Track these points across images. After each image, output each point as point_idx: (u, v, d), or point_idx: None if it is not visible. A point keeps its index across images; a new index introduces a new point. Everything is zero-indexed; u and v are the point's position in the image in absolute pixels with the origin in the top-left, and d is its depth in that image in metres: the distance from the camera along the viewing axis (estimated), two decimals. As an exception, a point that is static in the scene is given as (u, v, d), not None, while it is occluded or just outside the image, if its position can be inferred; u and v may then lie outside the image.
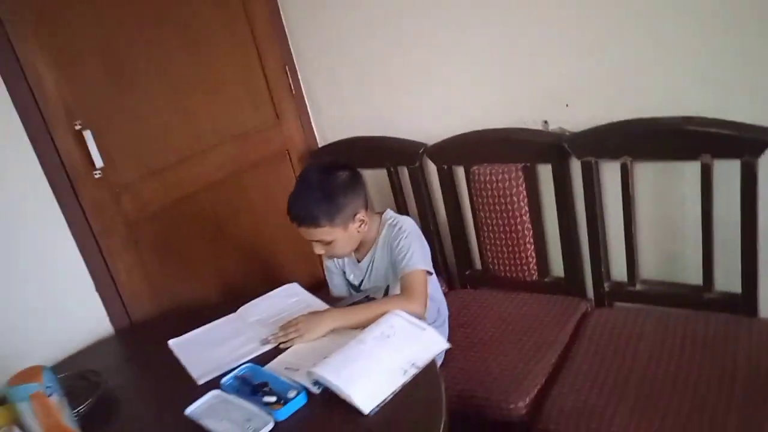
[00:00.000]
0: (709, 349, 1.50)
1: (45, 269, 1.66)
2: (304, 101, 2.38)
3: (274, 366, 1.38)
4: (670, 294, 1.76)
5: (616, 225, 1.77)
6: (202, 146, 2.04)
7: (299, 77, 2.34)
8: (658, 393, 1.41)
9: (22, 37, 1.57)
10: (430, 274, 1.63)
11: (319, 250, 1.64)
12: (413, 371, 1.25)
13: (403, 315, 1.41)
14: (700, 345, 1.53)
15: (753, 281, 1.59)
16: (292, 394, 1.25)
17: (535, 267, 1.95)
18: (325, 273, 1.86)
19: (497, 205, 1.91)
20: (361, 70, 2.19)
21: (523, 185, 1.87)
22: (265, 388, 1.29)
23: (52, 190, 1.66)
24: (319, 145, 2.40)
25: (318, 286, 1.86)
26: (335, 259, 1.80)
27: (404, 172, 2.15)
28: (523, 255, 1.94)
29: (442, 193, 2.09)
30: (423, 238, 1.68)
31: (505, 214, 1.91)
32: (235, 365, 1.40)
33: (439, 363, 1.41)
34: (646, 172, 1.71)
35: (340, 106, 2.31)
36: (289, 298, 1.69)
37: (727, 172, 1.56)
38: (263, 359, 1.42)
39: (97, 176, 1.74)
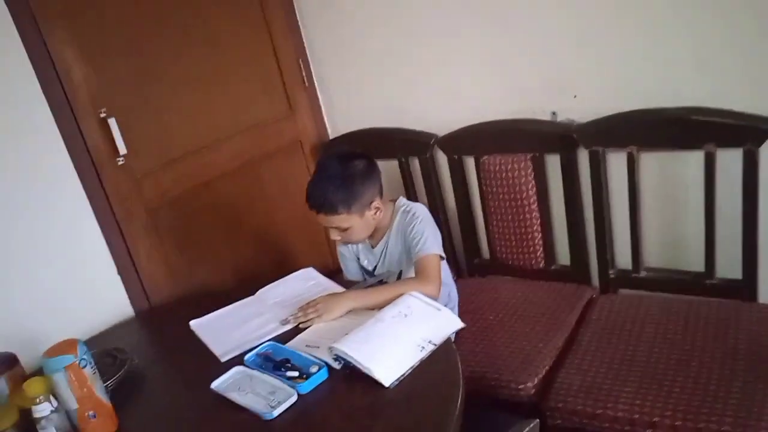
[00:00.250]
0: (711, 331, 1.56)
1: (70, 251, 1.71)
2: (317, 93, 2.43)
3: (294, 344, 1.44)
4: (673, 281, 1.82)
5: (622, 213, 1.83)
6: (219, 136, 2.09)
7: (312, 70, 2.40)
8: (662, 372, 1.47)
9: (51, 29, 1.63)
10: (443, 258, 1.68)
11: (335, 236, 1.70)
12: (430, 347, 1.31)
13: (419, 296, 1.47)
14: (702, 328, 1.59)
15: (753, 268, 1.65)
16: (313, 369, 1.31)
17: (542, 255, 2.01)
18: (339, 258, 1.92)
19: (506, 194, 1.97)
20: (372, 62, 2.24)
21: (532, 174, 1.92)
22: (288, 364, 1.35)
23: (78, 176, 1.71)
24: (331, 137, 2.46)
25: (329, 275, 1.91)
26: (350, 245, 1.86)
27: (415, 163, 2.20)
28: (530, 243, 2.00)
29: (452, 183, 2.15)
30: (435, 224, 1.74)
31: (513, 203, 1.97)
32: (257, 344, 1.46)
33: (451, 343, 1.47)
34: (651, 162, 1.77)
35: (351, 98, 2.37)
36: (306, 282, 1.75)
37: (730, 161, 1.62)
38: (284, 338, 1.47)
39: (120, 163, 1.79)
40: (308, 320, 1.50)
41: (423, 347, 1.31)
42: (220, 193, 2.10)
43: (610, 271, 1.89)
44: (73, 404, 1.23)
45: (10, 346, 1.45)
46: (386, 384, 1.22)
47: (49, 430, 1.18)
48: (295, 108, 2.35)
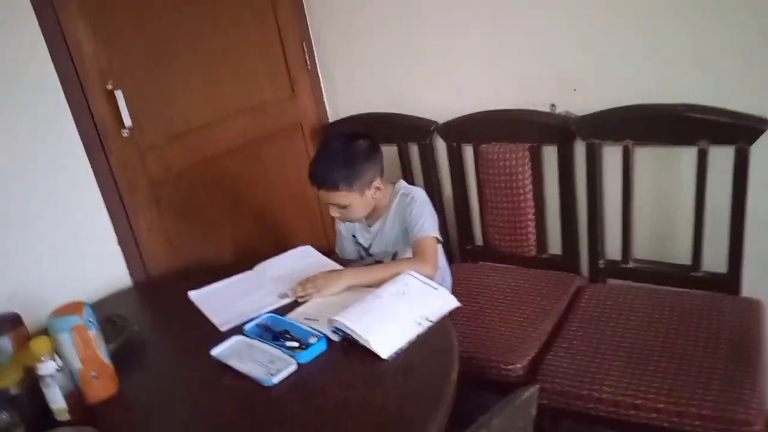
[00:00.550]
0: (695, 320, 1.62)
1: (72, 219, 1.73)
2: (319, 77, 2.46)
3: (294, 316, 1.47)
4: (660, 272, 1.87)
5: (614, 205, 1.88)
6: (222, 114, 2.12)
7: (315, 54, 2.42)
8: (647, 357, 1.52)
9: (64, 4, 1.65)
10: (440, 242, 1.73)
11: (334, 213, 1.74)
12: (427, 324, 1.35)
13: (416, 275, 1.51)
14: (686, 317, 1.64)
15: (738, 262, 1.71)
16: (312, 340, 1.34)
17: (535, 243, 2.05)
18: (337, 237, 1.95)
19: (502, 182, 2.01)
20: (375, 48, 2.27)
21: (529, 164, 1.97)
22: (287, 335, 1.39)
23: (84, 146, 1.73)
24: (331, 120, 2.49)
25: (324, 254, 1.95)
26: (347, 223, 1.90)
27: (414, 149, 2.24)
28: (523, 231, 2.04)
29: (450, 170, 2.19)
30: (433, 207, 1.78)
31: (509, 192, 2.01)
32: (256, 315, 1.50)
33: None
34: (645, 156, 1.82)
35: (353, 83, 2.40)
36: (305, 259, 1.78)
37: (721, 159, 1.67)
38: (283, 311, 1.51)
39: (125, 135, 1.81)
40: (307, 295, 1.54)
41: (420, 323, 1.35)
42: (221, 170, 2.13)
43: (600, 261, 1.94)
44: (77, 364, 1.26)
45: (14, 307, 1.47)
46: (384, 356, 1.26)
47: (52, 388, 1.22)
48: (297, 90, 2.38)
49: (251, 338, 1.41)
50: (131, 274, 1.88)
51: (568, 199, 1.96)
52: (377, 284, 1.51)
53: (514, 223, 2.04)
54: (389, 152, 2.25)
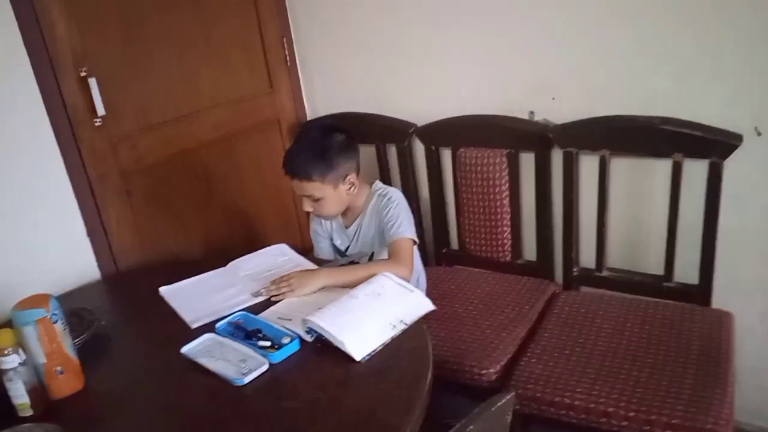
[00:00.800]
0: (666, 330, 1.64)
1: (40, 209, 1.68)
2: (298, 73, 2.43)
3: (267, 315, 1.45)
4: (633, 282, 1.89)
5: (589, 214, 1.89)
6: (199, 107, 2.08)
7: (295, 50, 2.40)
8: (619, 366, 1.53)
9: (38, -19, 1.60)
10: (416, 243, 1.72)
11: (308, 207, 1.72)
12: (402, 327, 1.34)
13: (392, 277, 1.50)
14: (658, 326, 1.66)
15: (709, 274, 1.73)
16: (285, 340, 1.32)
17: (510, 249, 2.06)
18: (312, 236, 1.93)
19: (479, 187, 2.02)
20: (356, 47, 2.25)
21: (506, 170, 1.97)
22: (259, 334, 1.37)
23: (54, 133, 1.68)
24: (309, 118, 2.46)
25: (300, 254, 1.93)
26: (323, 222, 1.88)
27: (392, 150, 2.23)
28: (499, 237, 2.05)
29: (428, 172, 2.18)
30: (409, 209, 1.78)
31: (485, 197, 2.02)
32: (228, 313, 1.47)
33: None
34: (621, 166, 1.84)
35: (332, 81, 2.38)
36: (279, 257, 1.76)
37: (695, 172, 1.70)
38: (256, 309, 1.48)
39: (97, 124, 1.76)
40: (280, 294, 1.52)
41: (395, 326, 1.34)
42: (195, 164, 2.09)
43: (574, 269, 1.96)
44: (41, 358, 1.22)
45: (-25, 299, 1.42)
46: (357, 358, 1.25)
47: (15, 383, 1.17)
48: (276, 86, 2.35)
49: (223, 336, 1.38)
50: (100, 266, 1.84)
51: (544, 206, 1.96)
52: (352, 285, 1.49)
53: (490, 228, 2.05)
54: (367, 153, 2.24)
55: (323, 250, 1.91)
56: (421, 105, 2.15)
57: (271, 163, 2.31)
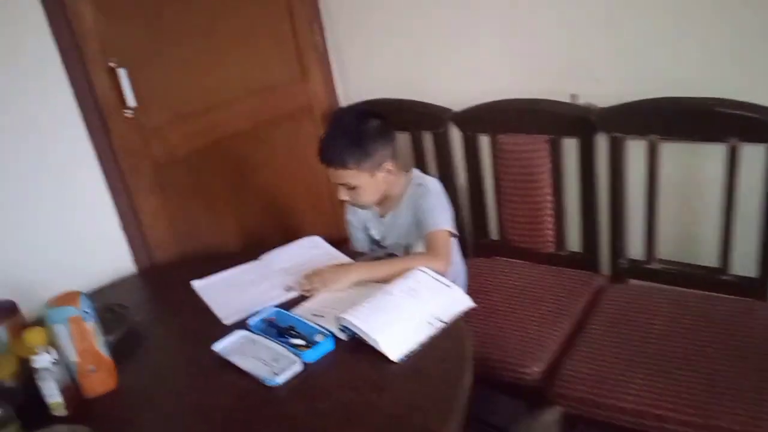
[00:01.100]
0: (722, 328, 1.54)
1: (75, 203, 1.67)
2: (330, 59, 2.37)
3: (300, 312, 1.41)
4: (685, 274, 1.78)
5: (638, 203, 1.79)
6: (230, 96, 2.04)
7: (326, 35, 2.34)
8: (672, 364, 1.44)
9: (64, -27, 1.57)
10: (454, 235, 1.65)
11: (343, 195, 1.67)
12: (439, 324, 1.28)
13: (428, 272, 1.44)
14: (714, 323, 1.56)
15: (769, 266, 1.63)
16: (319, 337, 1.28)
17: (553, 239, 1.97)
18: (347, 227, 1.89)
19: (520, 175, 1.93)
20: (389, 31, 2.18)
21: (548, 157, 1.88)
22: (292, 331, 1.33)
23: (86, 126, 1.66)
24: (342, 105, 2.41)
25: (333, 244, 1.88)
26: (358, 213, 1.83)
27: (428, 137, 2.16)
28: (541, 227, 1.96)
29: (465, 160, 2.10)
30: (447, 200, 1.71)
31: (526, 185, 1.93)
32: (261, 309, 1.43)
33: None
34: (671, 152, 1.72)
35: (365, 66, 2.32)
36: (312, 250, 1.72)
37: (752, 157, 1.58)
38: (288, 305, 1.45)
39: (128, 115, 1.74)
40: (313, 289, 1.48)
41: (431, 324, 1.28)
42: (228, 154, 2.06)
43: (622, 261, 1.86)
44: (73, 357, 1.21)
45: (10, 294, 1.41)
46: (393, 358, 1.20)
47: (48, 382, 1.16)
48: (307, 73, 2.30)
49: (255, 333, 1.35)
50: (135, 260, 1.83)
51: (589, 194, 1.87)
52: (386, 280, 1.44)
53: (532, 218, 1.96)
54: (402, 140, 2.17)
55: (359, 241, 1.86)
56: (457, 89, 2.06)
57: (305, 152, 2.26)
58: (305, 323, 1.34)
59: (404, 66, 2.20)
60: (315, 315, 1.38)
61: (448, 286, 1.41)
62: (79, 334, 1.19)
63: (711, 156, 1.68)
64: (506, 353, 1.60)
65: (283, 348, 1.27)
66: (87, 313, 1.21)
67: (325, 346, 1.26)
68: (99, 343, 1.23)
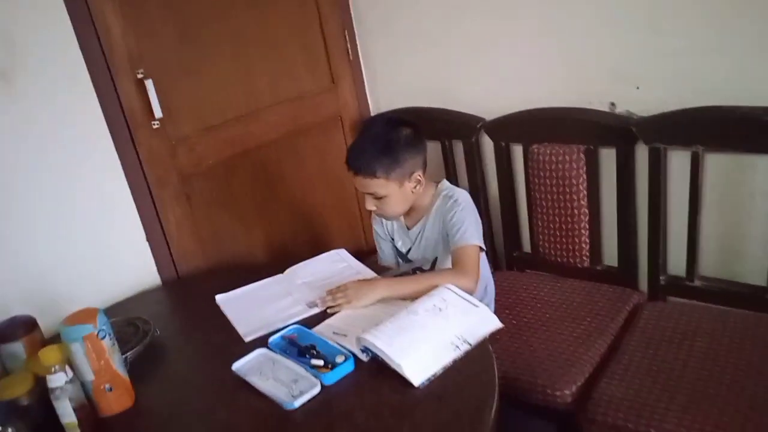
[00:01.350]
0: (769, 350, 1.44)
1: (100, 214, 1.67)
2: (361, 67, 2.34)
3: (321, 329, 1.37)
4: (729, 292, 1.69)
5: (679, 217, 1.70)
6: (258, 105, 2.02)
7: (357, 43, 2.30)
8: (714, 393, 1.35)
9: (92, -15, 1.57)
10: (483, 250, 1.59)
11: (370, 205, 1.63)
12: (465, 347, 1.22)
13: (455, 290, 1.38)
14: (759, 346, 1.47)
15: (821, 286, 1.52)
16: (339, 359, 1.24)
17: (588, 253, 1.89)
18: (375, 238, 1.84)
19: (554, 186, 1.86)
20: (420, 39, 2.14)
21: (584, 168, 1.81)
22: (313, 351, 1.28)
23: (112, 136, 1.66)
24: (372, 114, 2.37)
25: (361, 256, 1.84)
26: (384, 224, 1.78)
27: (459, 147, 2.10)
28: (576, 240, 1.89)
29: (497, 170, 2.04)
30: (477, 213, 1.65)
31: (561, 197, 1.86)
32: (282, 326, 1.40)
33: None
34: (716, 164, 1.64)
35: (396, 75, 2.27)
36: (337, 264, 1.68)
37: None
38: (310, 322, 1.41)
39: (155, 126, 1.73)
40: (336, 305, 1.44)
41: (457, 346, 1.22)
42: (255, 165, 2.04)
43: (661, 277, 1.77)
44: (89, 375, 1.19)
45: (33, 307, 1.40)
46: (416, 383, 1.14)
47: (62, 401, 1.14)
48: (338, 81, 2.26)
49: (275, 352, 1.31)
50: (160, 271, 1.82)
51: (627, 207, 1.79)
52: (412, 297, 1.39)
53: (566, 231, 1.89)
54: (432, 150, 2.10)
55: (386, 254, 1.82)
56: (489, 98, 2.01)
57: (333, 162, 2.24)
58: (327, 342, 1.30)
59: (435, 74, 2.15)
60: (336, 333, 1.34)
61: (475, 305, 1.35)
62: (95, 352, 1.17)
63: (759, 168, 1.59)
64: (536, 374, 1.53)
65: (303, 369, 1.23)
66: (104, 330, 1.19)
67: (346, 368, 1.21)
68: (116, 361, 1.21)
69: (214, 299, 1.59)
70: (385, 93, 2.32)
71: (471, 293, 1.40)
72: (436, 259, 1.71)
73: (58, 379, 1.13)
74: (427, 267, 1.71)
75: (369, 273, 1.59)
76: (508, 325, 1.72)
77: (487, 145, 2.05)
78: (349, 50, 2.27)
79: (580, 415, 1.41)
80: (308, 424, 1.12)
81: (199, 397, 1.28)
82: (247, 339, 1.39)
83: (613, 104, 1.78)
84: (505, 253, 2.13)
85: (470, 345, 1.23)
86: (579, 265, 1.92)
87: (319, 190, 2.24)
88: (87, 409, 1.18)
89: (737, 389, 1.35)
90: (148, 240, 1.77)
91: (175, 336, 1.54)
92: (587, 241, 1.88)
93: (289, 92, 2.11)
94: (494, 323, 1.31)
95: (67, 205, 1.61)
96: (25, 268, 1.53)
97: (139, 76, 1.68)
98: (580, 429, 1.40)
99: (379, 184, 1.57)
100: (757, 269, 1.62)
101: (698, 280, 1.73)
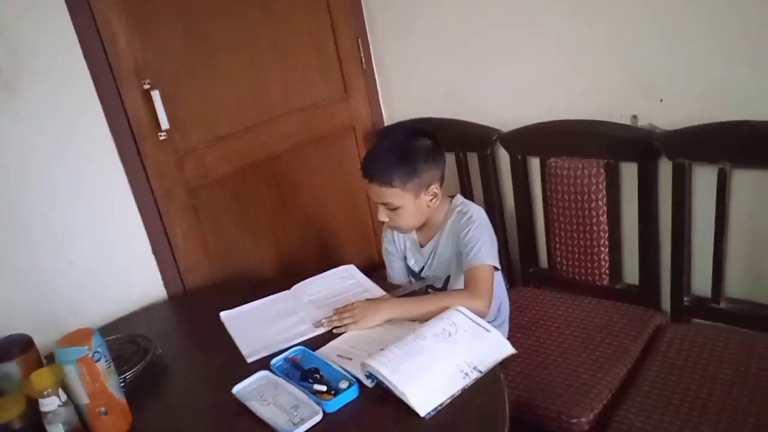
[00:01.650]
0: (802, 382, 1.36)
1: (105, 227, 1.64)
2: (374, 77, 2.29)
3: (326, 351, 1.32)
4: (756, 315, 1.60)
5: (704, 235, 1.63)
6: (269, 116, 1.98)
7: (371, 52, 2.26)
8: (742, 420, 1.28)
9: (98, -7, 1.54)
10: (497, 269, 1.53)
11: (383, 216, 1.57)
12: (475, 375, 1.16)
13: (466, 312, 1.32)
14: (791, 376, 1.39)
15: None
16: (343, 385, 1.18)
17: (608, 271, 1.82)
18: (384, 256, 1.78)
19: (573, 201, 1.79)
20: (435, 48, 2.08)
21: (604, 183, 1.74)
22: (316, 375, 1.23)
23: (117, 148, 1.63)
24: (386, 124, 2.32)
25: (373, 270, 1.79)
26: (397, 243, 1.72)
27: (474, 159, 2.04)
28: (595, 257, 1.81)
29: (513, 184, 1.98)
30: (492, 230, 1.58)
31: (580, 212, 1.79)
32: (286, 346, 1.35)
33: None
34: (744, 180, 1.56)
35: (410, 85, 2.22)
36: (345, 280, 1.63)
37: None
38: (315, 343, 1.36)
39: (162, 138, 1.70)
40: (343, 326, 1.38)
41: (467, 374, 1.16)
42: (265, 176, 2.00)
43: (685, 298, 1.69)
44: (83, 399, 1.14)
45: (35, 322, 1.38)
46: (422, 413, 1.08)
47: (55, 426, 1.10)
48: (351, 91, 2.22)
49: (277, 375, 1.26)
50: (166, 285, 1.78)
51: (649, 224, 1.71)
52: (421, 318, 1.33)
53: (585, 248, 1.82)
54: (446, 162, 2.06)
55: (396, 272, 1.75)
56: (505, 109, 1.95)
57: (346, 173, 2.20)
58: (330, 366, 1.25)
59: (450, 83, 2.10)
60: (341, 356, 1.28)
61: (487, 330, 1.28)
62: (89, 375, 1.13)
63: (790, 185, 1.51)
64: (551, 399, 1.46)
65: (305, 394, 1.18)
66: (99, 352, 1.14)
67: (349, 395, 1.16)
68: (111, 384, 1.17)
69: (219, 315, 1.55)
70: (399, 103, 2.27)
71: (483, 316, 1.34)
72: (449, 277, 1.65)
73: (50, 403, 1.09)
74: (439, 285, 1.66)
75: (378, 291, 1.54)
76: (522, 346, 1.67)
77: (503, 157, 1.99)
78: (363, 59, 2.23)
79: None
80: (307, 453, 1.07)
81: (196, 421, 1.23)
82: (250, 360, 1.35)
83: (635, 117, 1.71)
84: (520, 269, 2.06)
85: (480, 372, 1.17)
86: (598, 283, 1.84)
87: (331, 202, 2.19)
88: (80, 434, 1.14)
89: (764, 417, 1.28)
90: (154, 253, 1.74)
91: (176, 354, 1.49)
92: (607, 258, 1.81)
93: (300, 102, 2.07)
94: (507, 349, 1.25)
95: (72, 218, 1.58)
96: (27, 282, 1.51)
97: (146, 86, 1.65)
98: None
99: (395, 194, 1.52)
100: (788, 292, 1.54)
101: (724, 302, 1.65)
